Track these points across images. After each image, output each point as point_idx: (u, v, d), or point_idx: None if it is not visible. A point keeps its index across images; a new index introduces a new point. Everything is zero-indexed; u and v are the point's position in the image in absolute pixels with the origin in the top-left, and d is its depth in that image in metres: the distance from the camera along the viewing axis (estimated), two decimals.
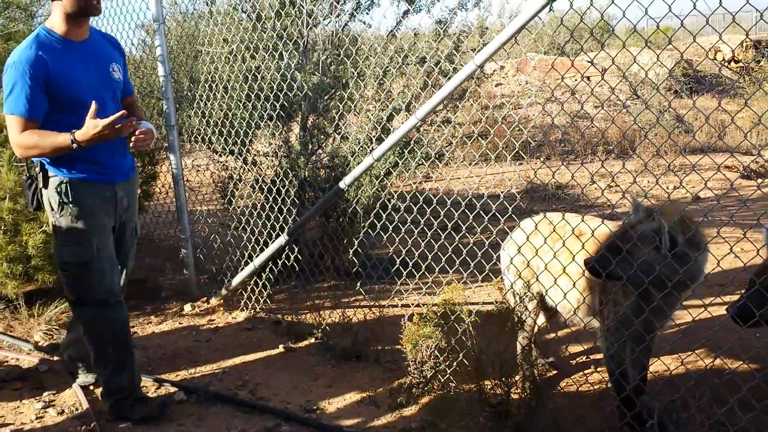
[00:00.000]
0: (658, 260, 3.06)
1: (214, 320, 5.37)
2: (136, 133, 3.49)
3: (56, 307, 5.20)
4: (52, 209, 3.58)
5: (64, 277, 3.70)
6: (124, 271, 3.97)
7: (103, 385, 3.86)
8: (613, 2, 2.89)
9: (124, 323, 3.84)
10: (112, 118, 3.31)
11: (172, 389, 4.19)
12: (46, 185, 3.57)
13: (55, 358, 4.54)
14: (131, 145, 3.56)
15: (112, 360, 3.79)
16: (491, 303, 4.31)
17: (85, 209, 3.56)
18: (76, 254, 3.58)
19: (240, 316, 5.41)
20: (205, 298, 5.72)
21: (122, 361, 3.82)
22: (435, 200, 4.29)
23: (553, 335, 4.28)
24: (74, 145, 3.34)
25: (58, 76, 3.40)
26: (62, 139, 3.34)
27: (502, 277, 4.16)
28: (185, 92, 6.47)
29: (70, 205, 3.53)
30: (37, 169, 3.59)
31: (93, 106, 3.34)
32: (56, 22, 3.47)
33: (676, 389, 3.30)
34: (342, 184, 4.37)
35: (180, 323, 5.34)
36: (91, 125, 3.31)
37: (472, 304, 4.12)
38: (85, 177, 3.56)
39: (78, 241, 3.57)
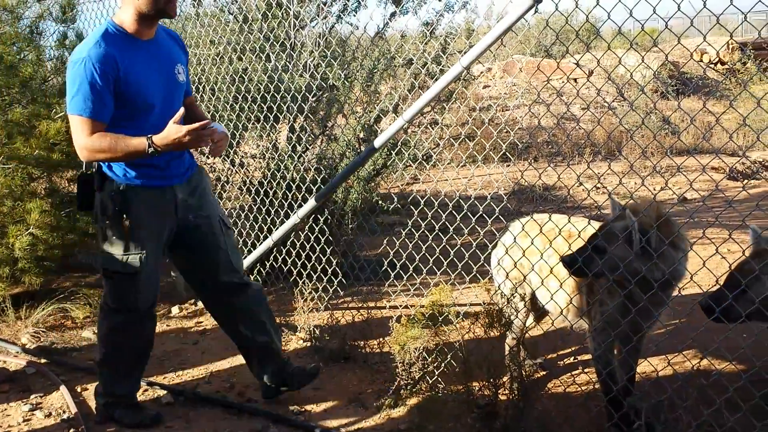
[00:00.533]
0: (628, 256, 3.10)
1: (201, 322, 5.35)
2: (214, 139, 3.27)
3: (43, 309, 5.18)
4: (104, 215, 3.41)
5: (106, 285, 3.57)
6: (235, 265, 3.81)
7: (102, 385, 3.80)
8: (598, 4, 2.90)
9: (150, 336, 3.78)
10: (197, 125, 3.17)
11: (160, 391, 4.17)
12: (101, 188, 3.39)
13: (43, 361, 4.52)
14: (207, 151, 3.43)
15: (123, 368, 3.73)
16: (479, 304, 4.32)
17: (139, 219, 3.38)
18: (125, 265, 3.42)
19: None
20: (193, 300, 5.70)
21: (132, 370, 3.78)
22: (422, 202, 4.29)
23: (541, 336, 4.29)
24: (150, 150, 3.15)
25: (127, 77, 3.21)
26: (137, 143, 3.16)
27: (490, 278, 4.17)
28: None
29: (124, 215, 3.35)
30: (94, 169, 3.42)
31: (181, 111, 3.22)
32: (126, 19, 3.25)
33: (663, 390, 3.31)
34: (329, 186, 4.37)
35: (167, 325, 5.32)
36: (174, 130, 3.15)
37: (460, 305, 4.13)
38: (142, 182, 3.38)
39: (127, 252, 3.41)
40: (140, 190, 3.38)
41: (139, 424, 3.73)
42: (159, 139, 3.15)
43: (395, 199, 4.48)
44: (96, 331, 3.84)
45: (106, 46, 3.16)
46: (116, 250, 3.42)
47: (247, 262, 5.16)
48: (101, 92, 3.14)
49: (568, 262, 3.26)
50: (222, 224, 3.76)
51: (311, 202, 4.54)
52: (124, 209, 3.35)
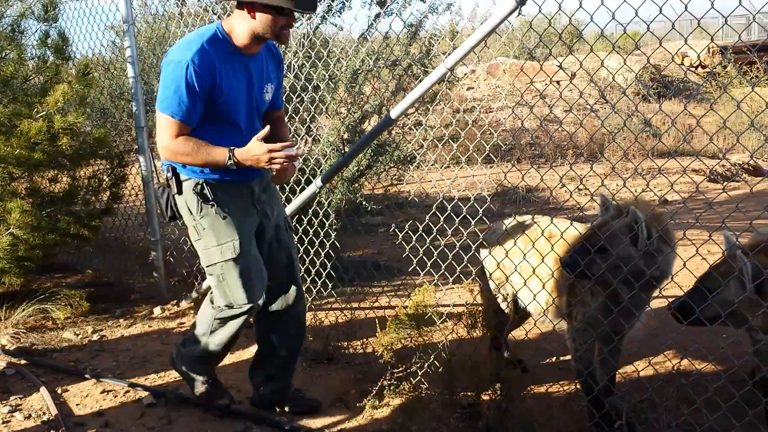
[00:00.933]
0: (634, 254, 3.08)
1: (184, 323, 5.33)
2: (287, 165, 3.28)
3: (24, 310, 5.14)
4: (191, 213, 3.41)
5: (212, 282, 3.54)
6: (297, 270, 3.80)
7: (205, 373, 3.86)
8: (581, 6, 2.92)
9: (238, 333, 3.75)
10: (279, 146, 3.18)
11: (142, 393, 4.16)
12: (180, 191, 3.39)
13: (23, 362, 4.48)
14: (273, 173, 3.44)
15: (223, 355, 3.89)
16: (462, 305, 4.33)
17: (227, 206, 3.38)
18: (223, 252, 3.40)
19: None
20: (176, 301, 5.68)
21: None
22: (407, 203, 4.30)
23: (523, 336, 4.31)
24: (229, 162, 3.19)
25: (221, 87, 3.23)
26: (219, 153, 3.19)
27: (473, 279, 4.18)
28: (155, 94, 6.41)
29: (210, 204, 3.35)
30: (169, 174, 3.39)
31: (266, 129, 3.23)
32: (237, 32, 3.24)
33: (643, 390, 3.34)
34: (314, 186, 4.36)
35: (150, 327, 5.30)
36: (256, 147, 3.17)
37: (444, 306, 4.14)
38: (219, 177, 3.37)
39: (223, 239, 3.39)
40: (219, 183, 3.39)
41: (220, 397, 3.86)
42: (240, 153, 3.18)
43: (379, 199, 4.48)
44: (197, 331, 3.77)
45: (209, 51, 3.17)
46: (210, 241, 3.42)
47: None
48: (196, 97, 3.16)
49: (570, 264, 3.21)
50: (287, 225, 3.79)
51: (296, 202, 4.53)
52: (207, 200, 3.36)
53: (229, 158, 3.17)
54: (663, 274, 3.18)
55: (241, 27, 3.22)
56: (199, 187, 3.35)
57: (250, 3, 3.14)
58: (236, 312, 3.54)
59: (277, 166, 3.24)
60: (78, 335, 5.14)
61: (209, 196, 3.35)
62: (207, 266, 3.49)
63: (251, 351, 4.69)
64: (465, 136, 4.03)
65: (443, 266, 3.93)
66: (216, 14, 5.47)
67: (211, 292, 3.63)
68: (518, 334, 4.32)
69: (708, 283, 2.99)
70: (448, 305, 4.22)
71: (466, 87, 14.36)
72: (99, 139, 5.72)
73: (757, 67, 13.79)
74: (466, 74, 14.59)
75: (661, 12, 2.68)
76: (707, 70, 17.08)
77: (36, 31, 5.85)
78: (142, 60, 6.59)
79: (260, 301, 3.57)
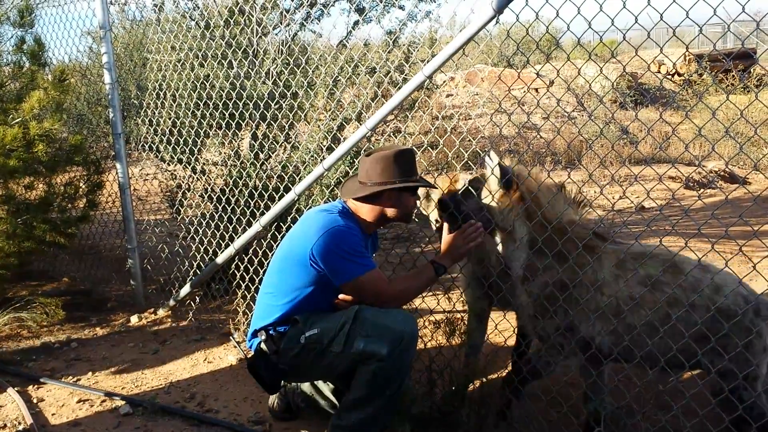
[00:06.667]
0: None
1: (161, 331, 5.29)
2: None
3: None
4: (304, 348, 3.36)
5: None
6: None
7: None
8: (558, 15, 2.94)
9: None
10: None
11: (119, 402, 4.11)
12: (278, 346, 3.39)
13: None
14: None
15: None
16: (441, 312, 4.33)
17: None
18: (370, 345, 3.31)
19: (188, 327, 5.34)
20: (153, 309, 5.64)
21: None
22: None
23: (502, 343, 4.32)
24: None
25: None
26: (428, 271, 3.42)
27: (451, 287, 4.19)
28: (132, 100, 6.38)
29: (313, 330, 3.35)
30: (263, 337, 3.41)
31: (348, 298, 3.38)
32: (365, 218, 3.45)
33: (622, 397, 3.36)
34: (292, 194, 4.35)
35: (126, 335, 5.25)
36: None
37: (422, 311, 4.14)
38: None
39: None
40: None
41: None
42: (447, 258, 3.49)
43: None
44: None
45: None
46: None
47: (208, 270, 5.13)
48: None
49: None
50: None
51: (274, 210, 4.52)
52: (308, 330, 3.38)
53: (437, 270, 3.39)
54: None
55: (369, 213, 3.47)
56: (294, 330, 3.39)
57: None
58: None
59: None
60: (54, 344, 5.09)
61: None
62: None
63: (229, 360, 4.67)
64: (444, 143, 4.04)
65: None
66: (194, 20, 5.45)
67: None
68: (496, 339, 4.33)
69: (473, 183, 3.43)
70: (427, 311, 4.22)
71: (446, 94, 14.42)
72: (75, 145, 5.67)
73: (733, 75, 13.96)
74: (445, 82, 14.65)
75: (636, 21, 2.70)
76: (683, 78, 17.26)
77: (12, 37, 5.80)
78: (120, 66, 6.55)
79: None
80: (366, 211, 3.43)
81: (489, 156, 3.34)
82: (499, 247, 3.39)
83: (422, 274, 3.39)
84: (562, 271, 3.16)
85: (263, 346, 3.39)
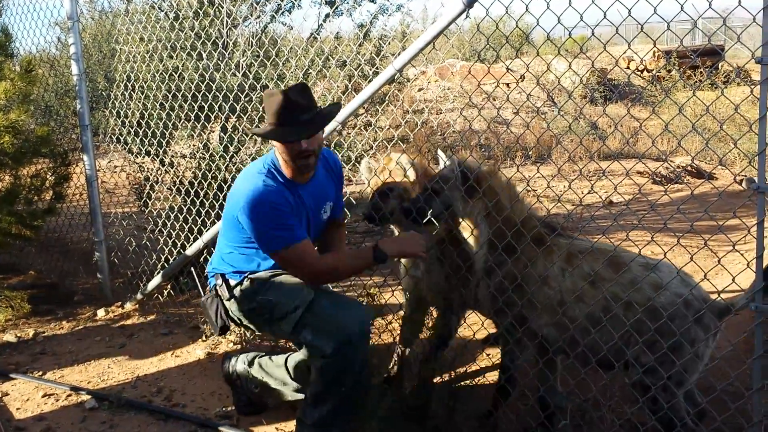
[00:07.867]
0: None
1: (128, 325, 5.24)
2: None
3: None
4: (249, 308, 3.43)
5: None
6: None
7: None
8: (527, 10, 2.95)
9: None
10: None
11: (85, 396, 4.07)
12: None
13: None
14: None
15: None
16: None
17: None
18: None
19: (156, 321, 5.29)
20: (120, 303, 5.59)
21: None
22: (355, 204, 4.29)
23: (471, 337, 4.34)
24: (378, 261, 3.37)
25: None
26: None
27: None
28: (101, 91, 6.30)
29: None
30: (219, 282, 3.46)
31: None
32: (281, 163, 3.36)
33: (588, 389, 3.39)
34: None
35: (93, 329, 5.19)
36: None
37: (392, 305, 4.14)
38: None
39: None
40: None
41: None
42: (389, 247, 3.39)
43: None
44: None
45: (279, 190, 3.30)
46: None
47: (176, 264, 5.09)
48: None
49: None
50: None
51: None
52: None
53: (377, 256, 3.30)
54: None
55: (279, 157, 3.36)
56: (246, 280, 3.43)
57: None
58: None
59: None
60: (19, 337, 5.02)
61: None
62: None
63: (197, 354, 4.64)
64: (415, 137, 4.04)
65: (391, 268, 3.94)
66: (163, 11, 5.39)
67: None
68: (465, 333, 4.35)
69: (435, 185, 3.36)
70: (397, 304, 4.22)
71: (417, 88, 14.43)
72: (42, 137, 5.58)
73: (700, 72, 14.13)
74: (417, 76, 14.66)
75: (605, 17, 2.73)
76: (652, 74, 17.44)
77: None
78: (88, 57, 6.47)
79: None
80: (279, 159, 3.35)
81: (447, 156, 3.42)
82: (471, 240, 3.41)
83: (359, 256, 3.39)
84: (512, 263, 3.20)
85: (219, 290, 3.47)
